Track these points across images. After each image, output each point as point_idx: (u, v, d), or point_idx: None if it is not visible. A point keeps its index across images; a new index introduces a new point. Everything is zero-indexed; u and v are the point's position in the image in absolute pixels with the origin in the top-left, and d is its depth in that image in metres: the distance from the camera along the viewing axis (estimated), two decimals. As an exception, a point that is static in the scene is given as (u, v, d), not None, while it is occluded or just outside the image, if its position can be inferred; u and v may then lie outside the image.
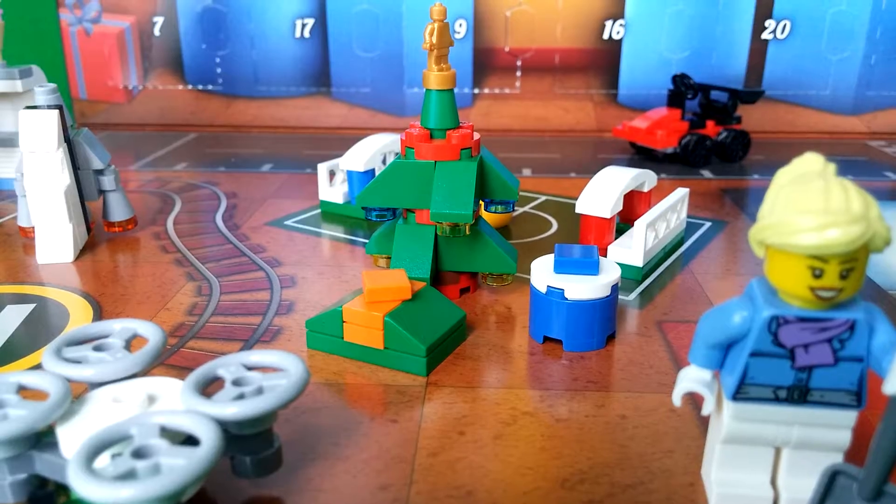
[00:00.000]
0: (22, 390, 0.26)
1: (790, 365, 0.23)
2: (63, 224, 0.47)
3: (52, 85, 0.48)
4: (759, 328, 0.23)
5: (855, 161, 0.76)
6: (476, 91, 0.88)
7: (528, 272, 0.40)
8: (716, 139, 0.73)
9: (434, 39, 0.40)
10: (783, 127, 0.87)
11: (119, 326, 0.29)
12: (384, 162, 0.58)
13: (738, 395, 0.24)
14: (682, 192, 0.51)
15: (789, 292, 0.23)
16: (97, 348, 0.28)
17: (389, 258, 0.43)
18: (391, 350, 0.35)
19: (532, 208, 0.59)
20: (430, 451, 0.29)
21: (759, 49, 0.85)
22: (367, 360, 0.35)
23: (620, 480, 0.27)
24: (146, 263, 0.48)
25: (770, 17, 0.84)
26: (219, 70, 0.88)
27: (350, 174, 0.56)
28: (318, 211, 0.58)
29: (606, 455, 0.29)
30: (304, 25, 0.86)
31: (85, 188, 0.50)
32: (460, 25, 0.85)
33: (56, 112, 0.47)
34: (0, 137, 0.63)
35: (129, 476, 0.21)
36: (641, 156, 0.76)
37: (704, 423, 0.31)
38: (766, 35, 0.85)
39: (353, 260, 0.49)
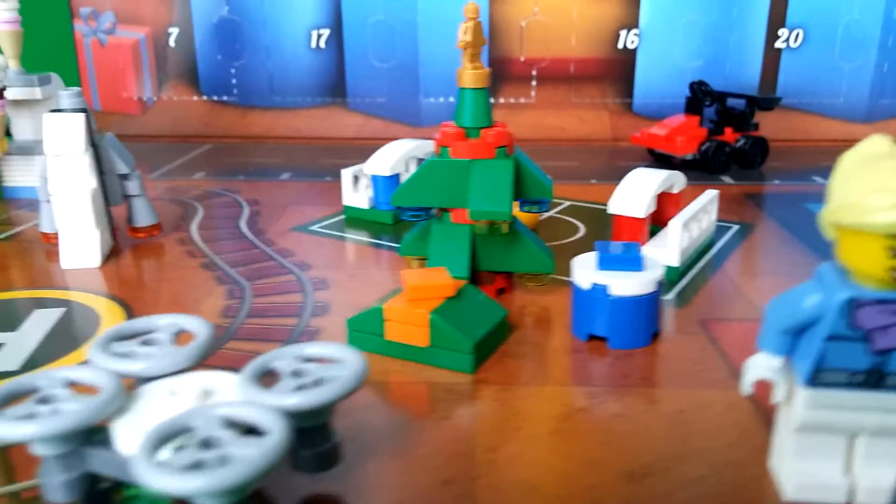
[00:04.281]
0: (72, 386, 0.25)
1: (867, 348, 0.23)
2: (89, 228, 0.47)
3: (77, 88, 0.48)
4: (835, 311, 0.23)
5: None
6: (492, 101, 0.87)
7: (561, 274, 0.40)
8: (734, 146, 0.73)
9: (469, 37, 0.40)
10: (797, 135, 0.87)
11: (164, 322, 0.28)
12: (407, 168, 0.58)
13: (813, 381, 0.24)
14: (711, 194, 0.50)
15: (866, 274, 0.22)
16: (144, 343, 0.27)
17: (423, 260, 0.43)
18: (436, 347, 0.34)
19: (557, 213, 0.59)
20: (487, 446, 0.28)
21: (772, 58, 0.86)
22: (410, 359, 0.35)
23: (687, 473, 0.26)
24: (174, 268, 0.47)
25: (783, 26, 0.84)
26: (234, 81, 0.88)
27: (375, 179, 0.56)
28: (342, 217, 0.58)
29: (668, 449, 0.28)
30: (319, 36, 0.86)
31: (110, 193, 0.50)
32: (475, 35, 0.85)
33: (82, 115, 0.47)
34: (19, 145, 0.63)
35: (197, 466, 0.20)
36: (660, 163, 0.76)
37: (765, 415, 0.30)
38: (779, 44, 0.85)
39: (384, 263, 0.48)
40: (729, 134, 0.74)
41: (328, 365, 0.25)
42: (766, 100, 0.73)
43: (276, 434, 0.21)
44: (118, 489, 0.24)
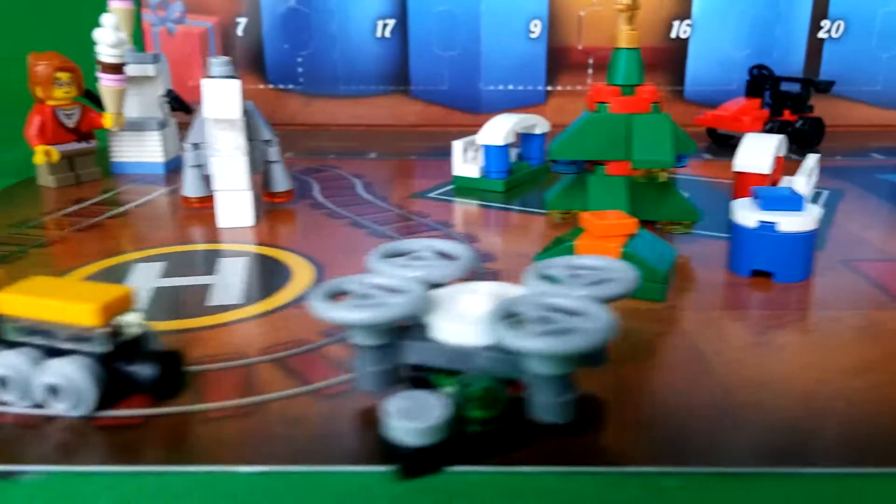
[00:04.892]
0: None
1: None
2: (245, 188, 0.49)
3: (227, 57, 0.50)
4: None
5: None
6: (549, 89, 0.91)
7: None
8: (794, 126, 0.77)
9: (629, 0, 0.43)
10: (838, 120, 0.92)
11: (423, 244, 0.31)
12: (515, 138, 0.61)
13: None
14: (815, 157, 0.54)
15: None
16: (413, 259, 0.30)
17: (569, 214, 0.46)
18: (629, 278, 0.37)
19: (653, 182, 0.62)
20: (713, 353, 0.31)
21: (815, 47, 0.90)
22: (599, 292, 0.38)
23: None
24: (324, 226, 0.50)
25: (826, 17, 0.89)
26: (300, 70, 0.90)
27: (487, 148, 0.59)
28: (452, 186, 0.61)
29: (867, 353, 0.31)
30: (385, 25, 0.89)
31: (254, 158, 0.52)
32: (535, 25, 0.89)
33: (238, 81, 0.49)
34: (129, 121, 0.65)
35: (548, 333, 0.23)
36: (718, 144, 0.80)
37: (947, 327, 0.33)
38: (822, 34, 0.90)
39: (520, 221, 0.51)
40: (787, 115, 0.78)
41: (599, 271, 0.28)
42: (822, 82, 0.78)
43: (601, 313, 0.24)
44: (435, 378, 0.27)
